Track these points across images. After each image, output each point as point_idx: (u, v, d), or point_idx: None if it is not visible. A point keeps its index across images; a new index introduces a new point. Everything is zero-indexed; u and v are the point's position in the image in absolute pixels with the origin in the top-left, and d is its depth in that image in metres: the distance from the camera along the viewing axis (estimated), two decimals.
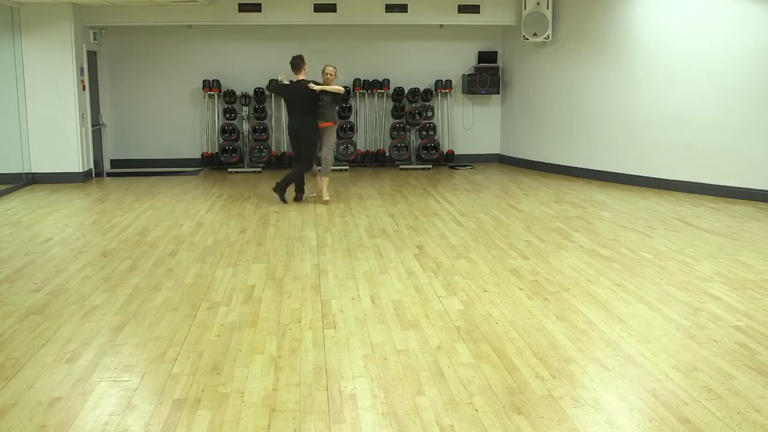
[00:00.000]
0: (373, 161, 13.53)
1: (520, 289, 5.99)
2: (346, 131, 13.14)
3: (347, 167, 13.18)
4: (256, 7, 12.16)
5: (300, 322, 5.24)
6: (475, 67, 13.54)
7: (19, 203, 10.16)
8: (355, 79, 13.25)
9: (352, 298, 5.76)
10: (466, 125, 13.82)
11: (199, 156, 13.30)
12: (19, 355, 4.67)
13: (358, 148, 13.33)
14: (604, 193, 10.49)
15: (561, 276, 6.36)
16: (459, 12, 12.50)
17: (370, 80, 13.31)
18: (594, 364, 4.45)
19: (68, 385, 4.21)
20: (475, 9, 12.50)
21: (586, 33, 11.69)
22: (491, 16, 12.62)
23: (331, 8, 12.26)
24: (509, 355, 4.59)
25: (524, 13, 12.23)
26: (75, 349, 4.77)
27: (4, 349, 4.77)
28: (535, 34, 12.18)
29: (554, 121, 12.44)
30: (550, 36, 12.11)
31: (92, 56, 12.55)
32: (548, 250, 7.28)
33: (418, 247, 7.43)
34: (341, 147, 13.11)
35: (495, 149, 14.00)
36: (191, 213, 9.31)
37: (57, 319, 5.36)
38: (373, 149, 13.59)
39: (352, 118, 13.32)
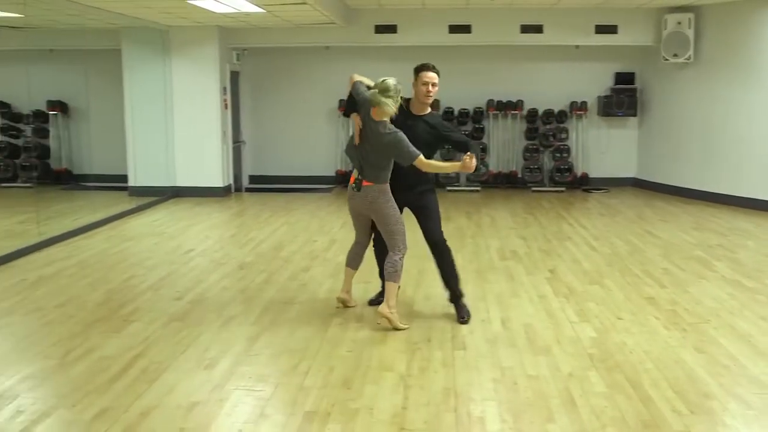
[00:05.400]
0: (505, 182, 13.42)
1: (657, 318, 5.78)
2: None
3: (479, 188, 13.14)
4: (392, 29, 12.37)
5: (430, 341, 5.24)
6: (611, 89, 13.22)
7: (164, 215, 10.68)
8: (489, 100, 13.21)
9: (483, 320, 5.72)
10: (601, 148, 13.50)
11: (333, 174, 13.59)
12: (162, 360, 4.89)
13: (490, 168, 13.27)
14: (749, 222, 9.98)
15: (701, 306, 6.09)
16: (596, 32, 12.25)
17: (504, 101, 13.23)
18: (736, 401, 4.24)
19: (206, 391, 4.38)
20: (612, 29, 12.23)
21: (731, 53, 11.20)
22: (629, 36, 12.31)
23: (466, 29, 12.30)
24: (644, 386, 4.43)
25: (664, 33, 11.86)
26: (213, 356, 4.96)
27: (149, 354, 5.02)
28: (675, 55, 11.78)
29: (696, 145, 11.96)
30: (692, 56, 11.68)
31: (234, 76, 13.07)
32: (687, 279, 7.00)
33: (550, 270, 7.31)
34: None
35: (631, 173, 13.60)
36: (325, 229, 9.50)
37: (197, 327, 5.58)
38: (505, 170, 13.49)
39: (484, 139, 13.27)
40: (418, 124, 5.54)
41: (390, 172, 5.42)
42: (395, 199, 5.50)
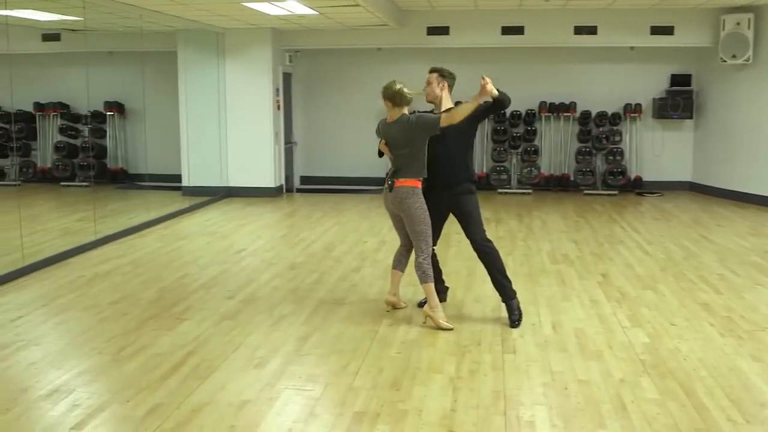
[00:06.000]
0: (557, 185, 13.29)
1: (712, 324, 5.67)
2: (530, 154, 12.99)
3: (530, 190, 13.04)
4: (444, 30, 12.34)
5: (480, 344, 5.22)
6: (666, 91, 13.01)
7: (216, 215, 10.83)
8: (541, 102, 13.10)
9: (533, 324, 5.67)
10: (656, 151, 13.29)
11: (383, 175, 13.57)
12: (213, 358, 4.96)
13: (542, 171, 13.15)
14: None
15: (757, 314, 5.96)
16: (651, 33, 12.06)
17: (557, 103, 13.11)
18: None
19: (256, 390, 4.42)
20: (668, 30, 12.02)
21: None
22: (686, 37, 12.09)
23: (519, 30, 12.21)
24: (698, 393, 4.35)
25: (722, 33, 11.62)
26: (263, 355, 5.01)
27: (201, 351, 5.09)
28: (734, 56, 11.54)
29: (754, 149, 11.68)
30: (751, 58, 11.43)
31: (287, 78, 13.18)
32: (743, 285, 6.85)
33: (602, 275, 7.22)
34: (525, 170, 12.98)
35: (686, 177, 13.35)
36: (375, 230, 9.53)
37: (247, 325, 5.65)
38: (557, 173, 13.36)
39: (536, 141, 13.16)
40: None
41: (420, 165, 5.58)
42: (431, 199, 5.61)
